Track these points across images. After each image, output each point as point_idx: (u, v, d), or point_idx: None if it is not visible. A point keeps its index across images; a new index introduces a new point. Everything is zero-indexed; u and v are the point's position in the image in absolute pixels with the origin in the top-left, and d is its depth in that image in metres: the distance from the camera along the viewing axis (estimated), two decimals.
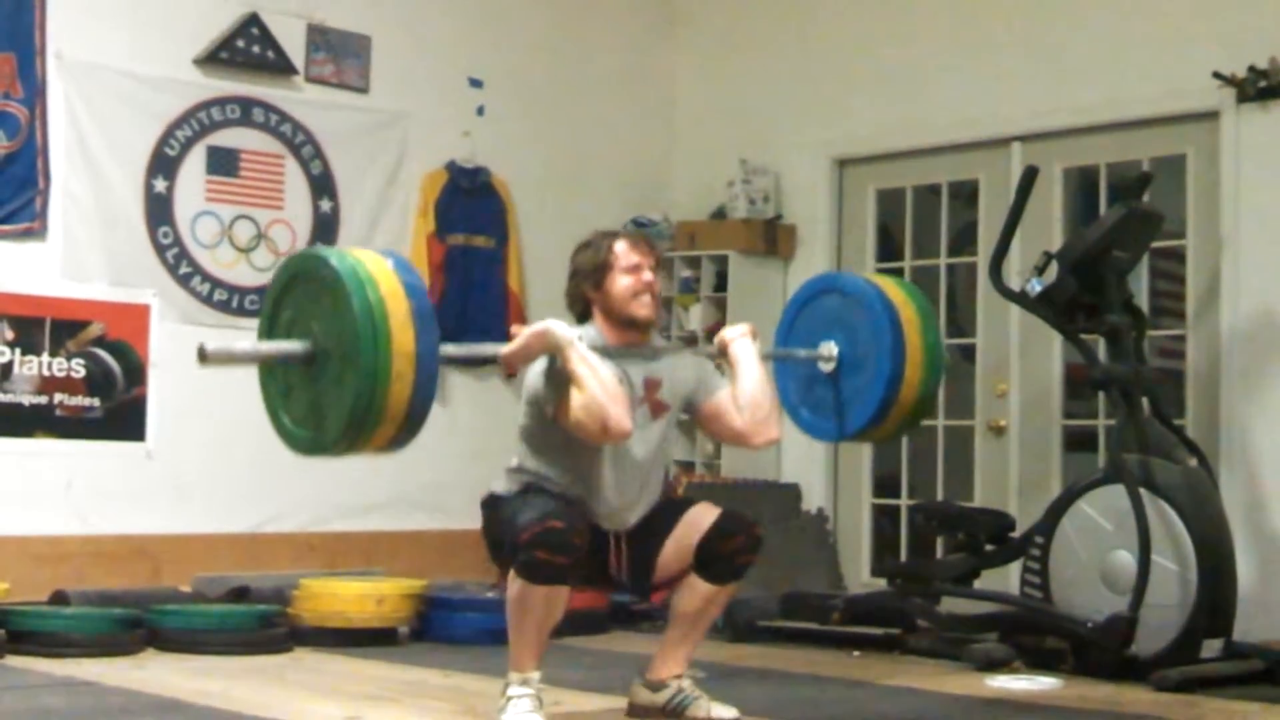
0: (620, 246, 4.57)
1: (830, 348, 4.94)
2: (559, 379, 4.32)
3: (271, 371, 4.23)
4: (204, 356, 4.05)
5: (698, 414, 4.68)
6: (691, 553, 4.54)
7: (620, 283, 4.53)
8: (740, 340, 4.69)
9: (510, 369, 4.41)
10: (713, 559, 4.53)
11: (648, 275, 4.55)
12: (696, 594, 4.57)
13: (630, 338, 4.56)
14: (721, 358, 4.73)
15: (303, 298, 4.11)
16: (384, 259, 4.08)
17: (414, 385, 3.94)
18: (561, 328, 4.34)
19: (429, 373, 3.98)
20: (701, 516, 4.58)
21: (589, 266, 4.57)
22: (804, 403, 5.04)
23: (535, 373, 4.42)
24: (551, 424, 4.40)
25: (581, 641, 6.40)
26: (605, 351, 4.44)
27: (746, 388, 4.61)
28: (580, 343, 4.31)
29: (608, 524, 4.53)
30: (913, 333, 4.88)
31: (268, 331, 4.22)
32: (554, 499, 4.40)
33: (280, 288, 4.22)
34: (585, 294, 4.58)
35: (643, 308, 4.54)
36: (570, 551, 4.25)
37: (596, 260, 4.56)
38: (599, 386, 4.25)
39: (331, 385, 3.99)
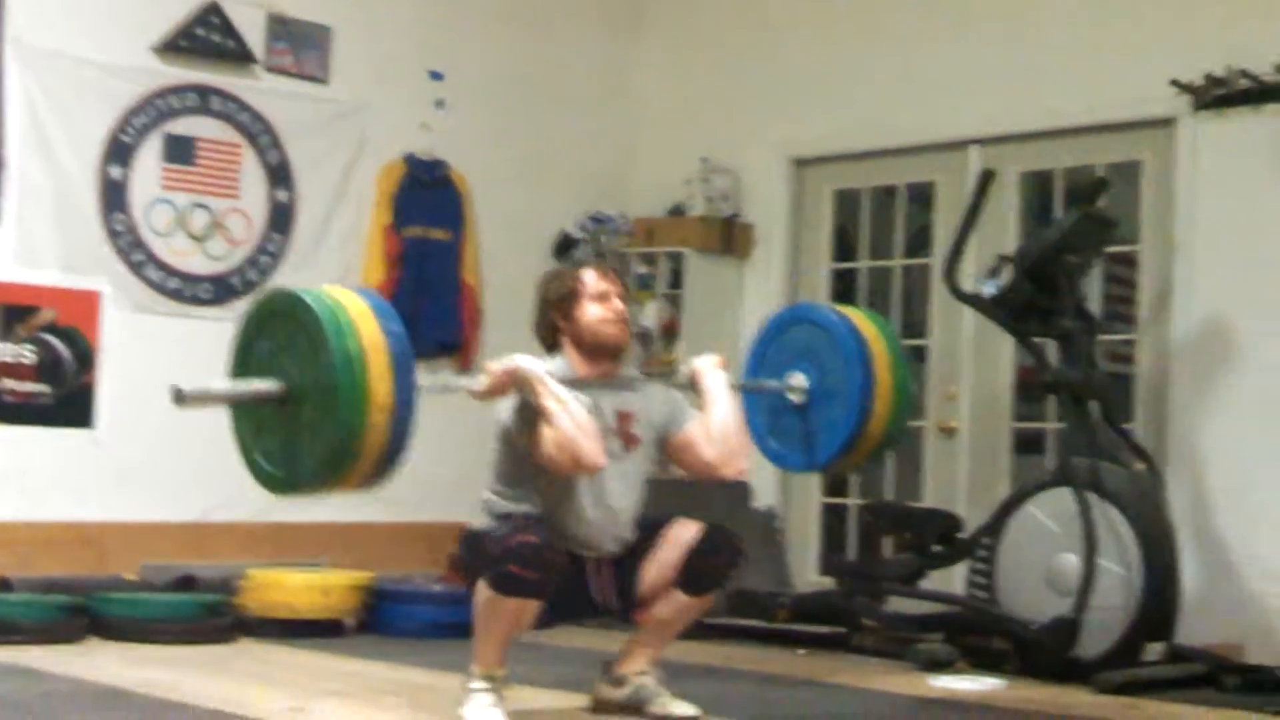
0: (588, 275, 4.59)
1: (800, 379, 4.99)
2: (530, 414, 4.32)
3: (242, 407, 4.22)
4: (181, 399, 4.02)
5: (668, 445, 4.68)
6: (674, 569, 4.56)
7: (590, 310, 4.55)
8: (712, 372, 4.71)
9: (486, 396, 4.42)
10: (696, 576, 4.56)
11: (617, 303, 4.57)
12: (673, 603, 4.60)
13: (601, 367, 4.56)
14: (692, 389, 4.74)
15: (279, 336, 4.10)
16: (363, 301, 4.07)
17: (389, 434, 3.97)
18: (529, 363, 4.34)
19: (404, 423, 4.00)
20: (682, 533, 4.60)
21: (557, 296, 4.58)
22: (772, 432, 5.11)
23: (506, 409, 4.42)
24: (525, 458, 4.40)
25: (532, 636, 6.37)
26: (576, 383, 4.44)
27: (717, 419, 4.63)
28: (549, 378, 4.32)
29: (587, 552, 4.53)
30: (883, 369, 4.94)
31: (240, 366, 4.20)
32: (531, 518, 4.40)
33: (255, 324, 4.20)
34: (555, 323, 4.58)
35: (614, 335, 4.55)
36: (543, 568, 4.25)
37: (565, 289, 4.57)
38: (569, 422, 4.26)
39: (305, 429, 4.01)
